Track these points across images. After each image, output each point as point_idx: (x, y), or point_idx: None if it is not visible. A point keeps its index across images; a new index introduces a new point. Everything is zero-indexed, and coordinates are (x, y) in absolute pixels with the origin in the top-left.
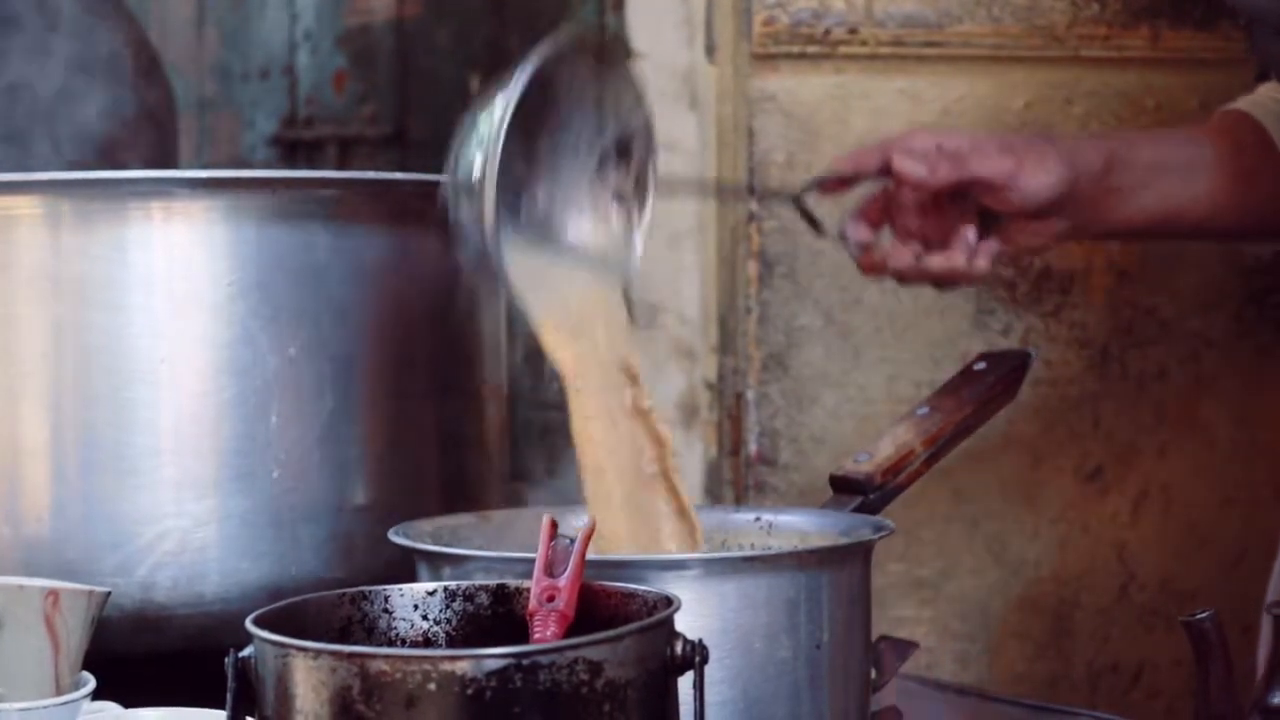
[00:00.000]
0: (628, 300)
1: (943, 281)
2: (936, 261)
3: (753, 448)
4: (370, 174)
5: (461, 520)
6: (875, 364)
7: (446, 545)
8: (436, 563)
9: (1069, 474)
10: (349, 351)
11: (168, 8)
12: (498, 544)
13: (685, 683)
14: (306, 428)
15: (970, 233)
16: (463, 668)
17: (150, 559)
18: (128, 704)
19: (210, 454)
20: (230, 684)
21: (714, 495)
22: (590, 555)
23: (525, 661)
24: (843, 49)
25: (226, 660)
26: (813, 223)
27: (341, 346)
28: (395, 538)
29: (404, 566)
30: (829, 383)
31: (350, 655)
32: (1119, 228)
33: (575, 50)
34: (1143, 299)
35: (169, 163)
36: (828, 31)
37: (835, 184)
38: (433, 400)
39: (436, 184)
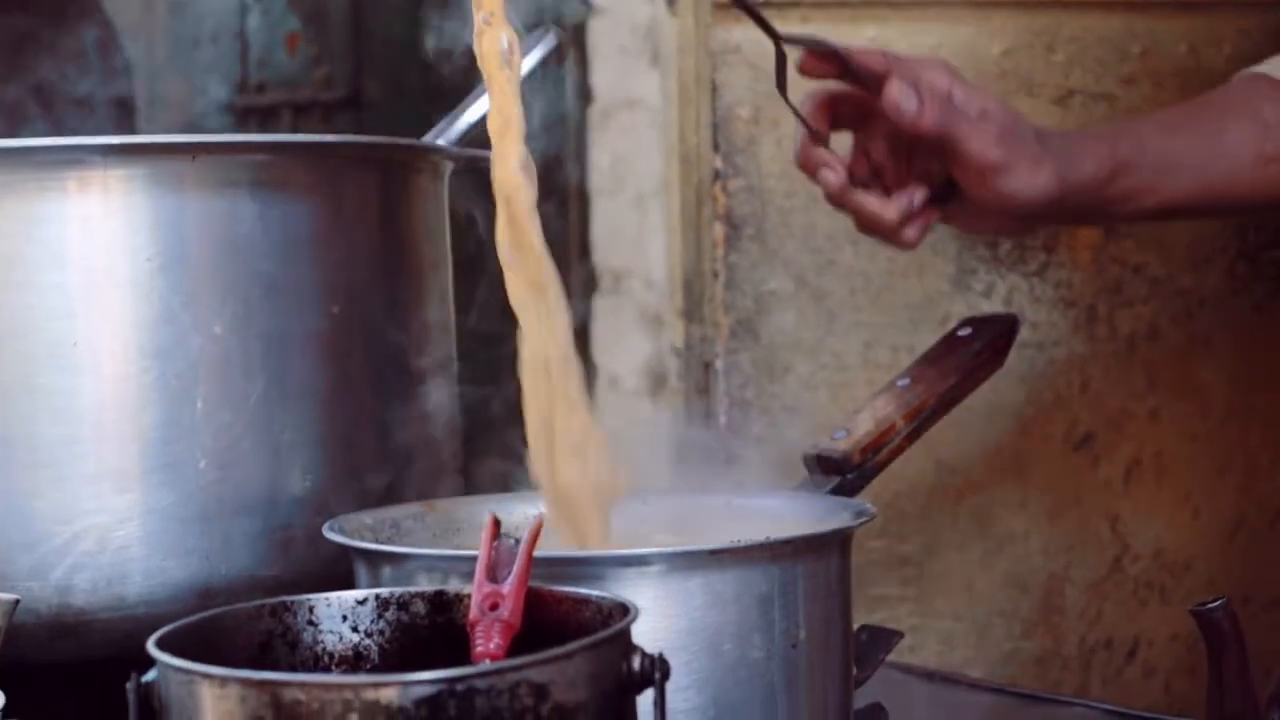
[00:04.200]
0: None
1: (861, 225)
2: (868, 202)
3: (722, 419)
4: (299, 136)
5: (405, 511)
6: (850, 329)
7: (388, 540)
8: (375, 561)
9: (1057, 442)
10: (280, 329)
11: None
12: (445, 537)
13: (646, 700)
14: (235, 413)
15: (918, 195)
16: (388, 695)
17: (67, 560)
18: (45, 717)
19: (130, 443)
20: (132, 713)
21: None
22: (539, 552)
23: (460, 687)
24: None
25: (128, 685)
26: (782, 76)
27: (272, 324)
28: (330, 534)
29: (345, 562)
30: (802, 350)
31: (261, 683)
32: (1110, 222)
33: None
34: (1131, 256)
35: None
36: None
37: (822, 60)
38: (374, 381)
39: (372, 145)
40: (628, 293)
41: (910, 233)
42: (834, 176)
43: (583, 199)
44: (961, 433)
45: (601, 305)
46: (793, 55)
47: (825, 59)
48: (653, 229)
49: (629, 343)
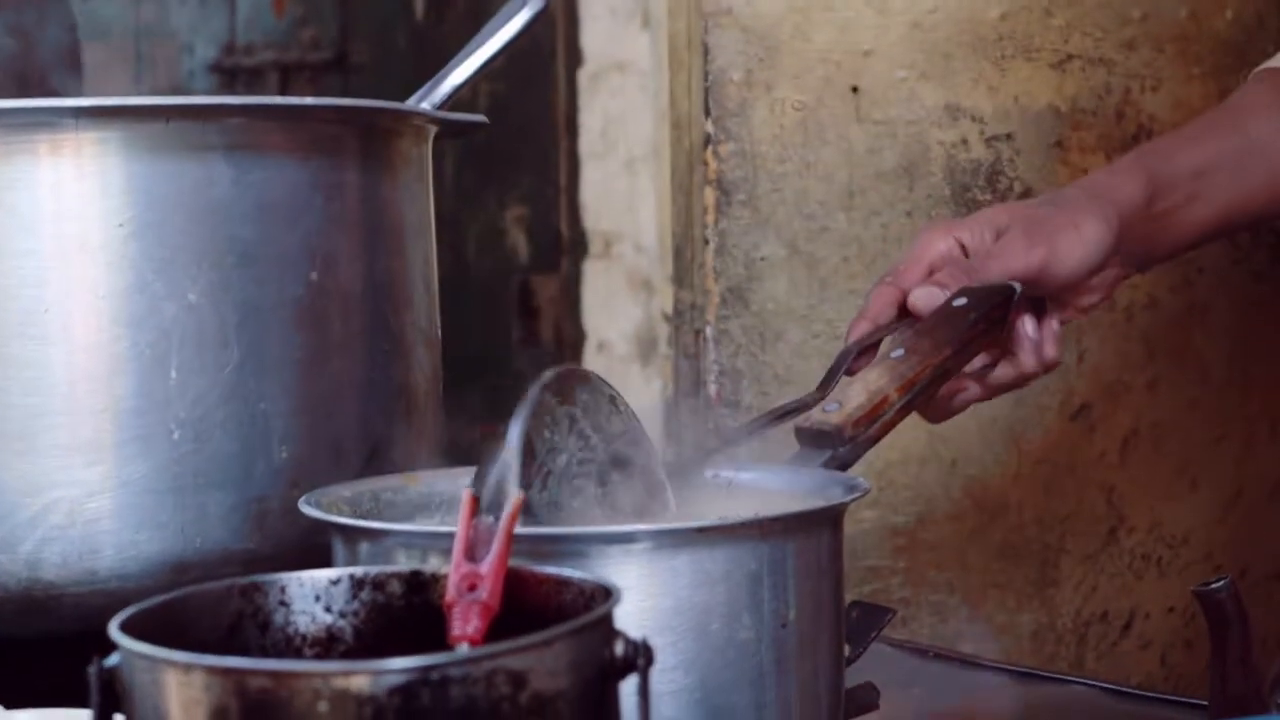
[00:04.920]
0: None
1: (1022, 385)
2: (1004, 373)
3: (712, 388)
4: (276, 99)
5: (385, 484)
6: (843, 297)
7: (366, 514)
8: (352, 537)
9: (1053, 412)
10: (257, 297)
11: None
12: (425, 510)
13: (632, 683)
14: (210, 382)
15: (1028, 325)
16: (359, 684)
17: (37, 533)
18: (15, 694)
19: (102, 414)
20: (94, 699)
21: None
22: (520, 529)
23: (434, 675)
24: None
25: (89, 670)
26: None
27: (248, 291)
28: (306, 508)
29: (323, 535)
30: (793, 318)
31: (227, 670)
32: (1177, 248)
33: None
34: None
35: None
36: None
37: (859, 357)
38: (354, 349)
39: (353, 109)
40: (618, 257)
41: (1050, 352)
42: (970, 390)
43: (572, 162)
44: None
45: (591, 269)
46: None
47: (863, 354)
48: (643, 193)
49: (619, 307)
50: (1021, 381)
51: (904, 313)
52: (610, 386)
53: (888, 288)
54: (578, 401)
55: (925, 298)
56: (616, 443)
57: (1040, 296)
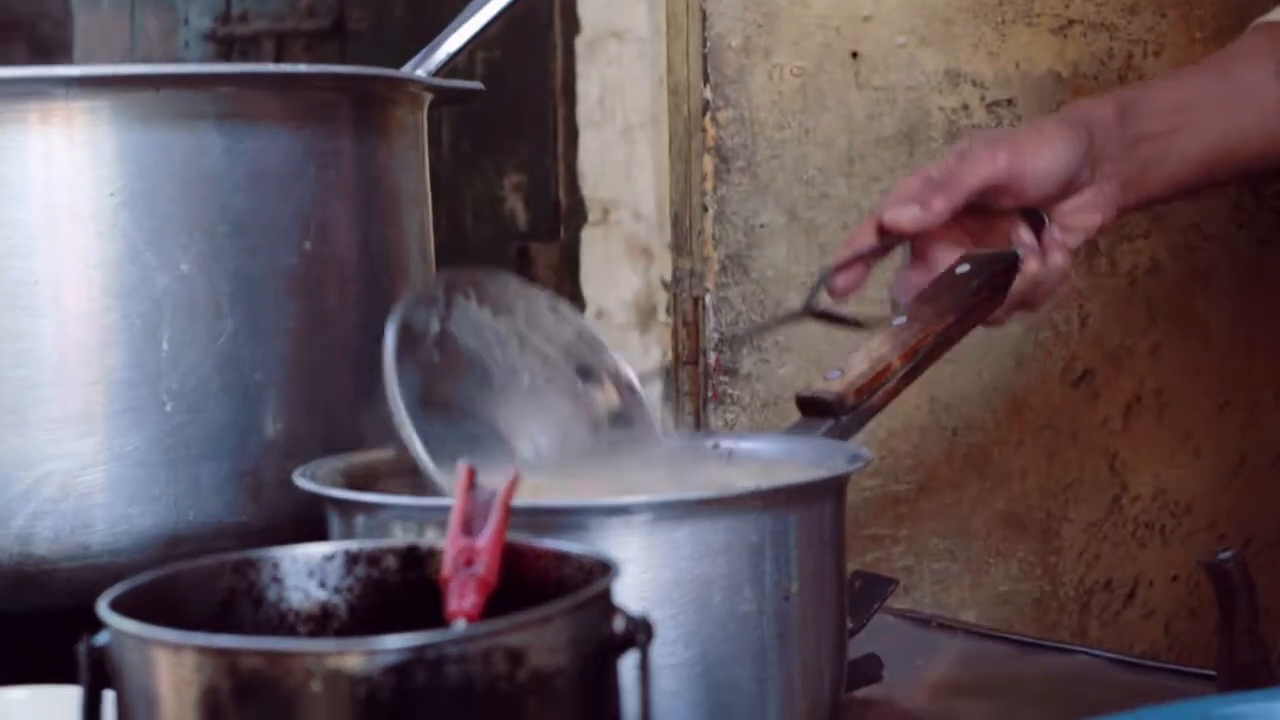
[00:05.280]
0: None
1: (1034, 300)
2: (1014, 285)
3: (712, 356)
4: (267, 67)
5: (381, 456)
6: None
7: (362, 486)
8: (348, 510)
9: (1055, 378)
10: (250, 267)
11: None
12: (423, 484)
13: (631, 660)
14: (203, 353)
15: (1024, 233)
16: (353, 663)
17: (28, 507)
18: (7, 670)
19: (94, 386)
20: (83, 678)
21: (672, 406)
22: (519, 502)
23: (429, 654)
24: None
25: (78, 648)
26: (844, 322)
27: (241, 261)
28: (301, 481)
29: (318, 508)
30: (793, 285)
31: (217, 650)
32: (1170, 186)
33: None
34: None
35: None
36: None
37: (845, 273)
38: (349, 319)
39: (346, 76)
40: (616, 224)
41: (1057, 258)
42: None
43: (570, 130)
44: (957, 369)
45: (589, 236)
46: None
47: (846, 274)
48: (641, 161)
49: (618, 275)
50: (1033, 293)
51: (885, 236)
52: (545, 292)
53: (868, 220)
54: (515, 311)
55: (903, 213)
56: (575, 351)
57: (1033, 209)
